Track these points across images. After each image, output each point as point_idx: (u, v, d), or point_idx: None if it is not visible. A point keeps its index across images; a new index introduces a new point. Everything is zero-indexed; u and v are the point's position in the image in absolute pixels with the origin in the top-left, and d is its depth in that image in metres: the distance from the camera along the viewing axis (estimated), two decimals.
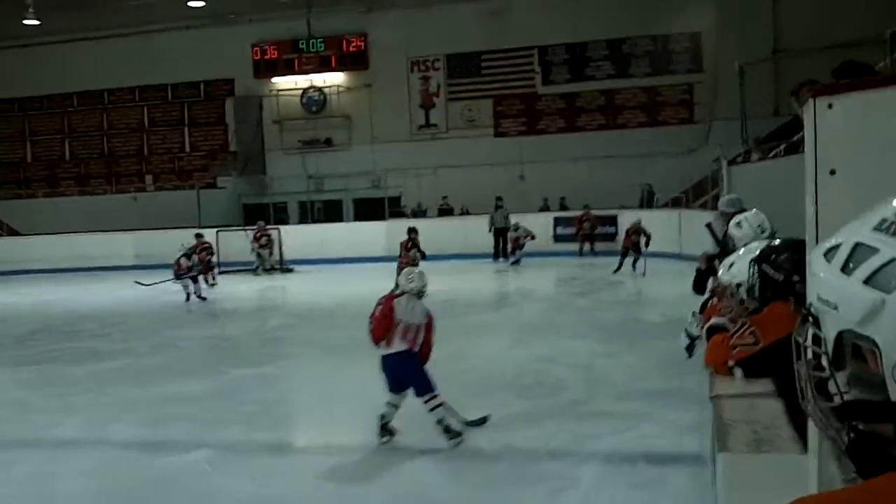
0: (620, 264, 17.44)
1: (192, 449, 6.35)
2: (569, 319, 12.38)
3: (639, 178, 22.79)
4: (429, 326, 6.45)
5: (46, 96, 28.79)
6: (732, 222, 4.97)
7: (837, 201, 1.81)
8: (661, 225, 18.44)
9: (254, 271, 21.09)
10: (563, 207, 23.46)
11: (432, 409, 6.26)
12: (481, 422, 6.60)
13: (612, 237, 21.52)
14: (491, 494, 5.11)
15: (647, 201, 22.80)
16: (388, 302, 6.36)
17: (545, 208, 23.50)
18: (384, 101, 26.53)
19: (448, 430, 6.23)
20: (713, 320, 3.28)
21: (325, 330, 12.39)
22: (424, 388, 6.28)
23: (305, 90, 27.31)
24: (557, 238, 22.35)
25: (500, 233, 21.37)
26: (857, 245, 1.06)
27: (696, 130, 24.03)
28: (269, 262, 21.33)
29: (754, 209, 5.11)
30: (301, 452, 6.76)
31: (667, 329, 11.14)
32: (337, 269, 21.13)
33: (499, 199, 21.61)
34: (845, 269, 1.05)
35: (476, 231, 22.59)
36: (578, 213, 22.10)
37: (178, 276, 15.96)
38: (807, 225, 1.87)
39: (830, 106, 1.86)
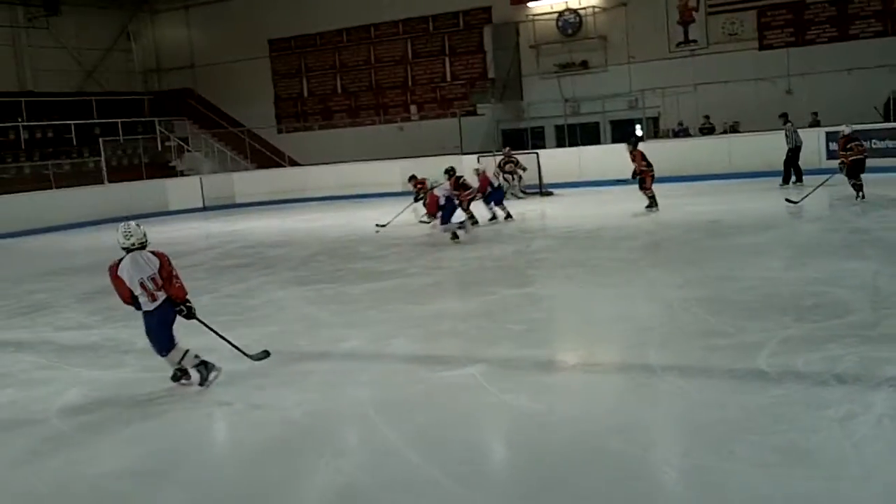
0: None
1: (466, 364, 6.59)
2: (848, 240, 11.52)
3: None
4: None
5: (319, 34, 30.37)
6: None
7: None
8: None
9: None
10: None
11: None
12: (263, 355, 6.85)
13: (893, 153, 19.66)
14: (777, 417, 4.87)
15: None
16: None
17: (815, 123, 21.76)
18: (640, 20, 25.58)
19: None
20: None
21: (586, 251, 12.44)
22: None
23: (561, 13, 26.89)
24: (830, 155, 20.67)
25: (792, 153, 19.07)
26: None
27: None
28: (520, 188, 21.31)
29: None
30: (571, 370, 6.82)
31: None
32: (595, 192, 20.99)
33: (783, 115, 19.16)
34: None
35: (740, 150, 21.54)
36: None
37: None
38: None
39: None
